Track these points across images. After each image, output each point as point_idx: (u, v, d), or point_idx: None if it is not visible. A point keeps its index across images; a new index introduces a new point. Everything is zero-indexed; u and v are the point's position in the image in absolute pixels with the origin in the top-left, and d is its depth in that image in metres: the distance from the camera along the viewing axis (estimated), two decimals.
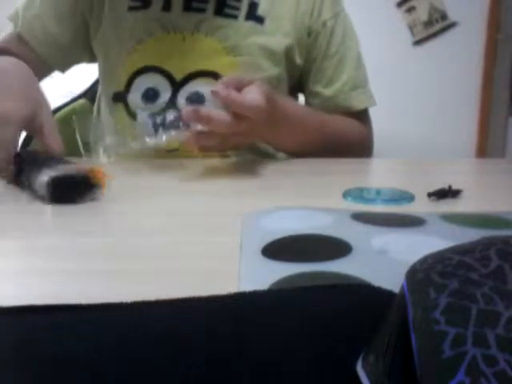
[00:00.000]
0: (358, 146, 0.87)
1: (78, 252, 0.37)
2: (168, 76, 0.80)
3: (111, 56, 0.84)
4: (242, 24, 0.80)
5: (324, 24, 0.85)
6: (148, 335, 0.23)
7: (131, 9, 0.80)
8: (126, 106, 0.82)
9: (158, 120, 0.60)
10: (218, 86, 0.61)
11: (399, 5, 2.30)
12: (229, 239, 0.38)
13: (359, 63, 0.89)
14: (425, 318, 0.16)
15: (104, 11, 0.81)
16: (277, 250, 0.35)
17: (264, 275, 0.30)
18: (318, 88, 0.86)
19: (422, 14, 2.30)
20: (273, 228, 0.39)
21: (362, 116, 0.90)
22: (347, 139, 0.84)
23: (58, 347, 0.22)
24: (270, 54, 0.81)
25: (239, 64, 0.80)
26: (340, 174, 0.67)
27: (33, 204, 0.52)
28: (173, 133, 0.60)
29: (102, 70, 0.88)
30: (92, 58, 0.89)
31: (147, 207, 0.50)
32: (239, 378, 0.20)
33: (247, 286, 0.27)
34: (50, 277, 0.32)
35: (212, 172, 0.67)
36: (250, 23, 0.81)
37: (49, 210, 0.49)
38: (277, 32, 0.82)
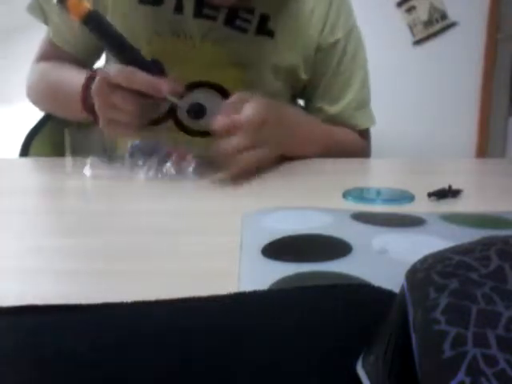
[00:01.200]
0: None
1: (78, 252, 0.37)
2: None
3: None
4: (252, 38, 0.79)
5: (337, 42, 0.84)
6: (148, 335, 0.23)
7: (141, 1, 0.78)
8: None
9: (149, 156, 0.64)
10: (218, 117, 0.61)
11: (399, 5, 2.30)
12: (229, 239, 0.38)
13: (365, 82, 0.89)
14: (425, 317, 0.16)
15: (109, 8, 0.80)
16: (277, 249, 0.35)
17: (264, 275, 0.30)
18: (323, 105, 0.86)
19: (422, 13, 2.29)
20: (273, 228, 0.39)
21: (363, 134, 0.90)
22: (348, 152, 0.84)
23: (58, 347, 0.22)
24: (275, 68, 0.81)
25: (244, 80, 0.79)
26: (340, 174, 0.67)
27: (31, 204, 0.52)
28: (164, 169, 0.62)
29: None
30: None
31: (147, 207, 0.50)
32: (239, 378, 0.20)
33: (247, 286, 0.27)
34: (50, 277, 0.32)
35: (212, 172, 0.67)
36: (260, 38, 0.79)
37: (47, 210, 0.49)
38: (285, 48, 0.81)
